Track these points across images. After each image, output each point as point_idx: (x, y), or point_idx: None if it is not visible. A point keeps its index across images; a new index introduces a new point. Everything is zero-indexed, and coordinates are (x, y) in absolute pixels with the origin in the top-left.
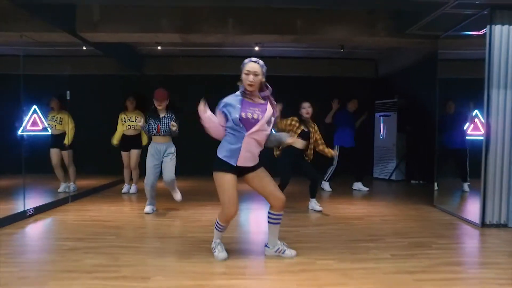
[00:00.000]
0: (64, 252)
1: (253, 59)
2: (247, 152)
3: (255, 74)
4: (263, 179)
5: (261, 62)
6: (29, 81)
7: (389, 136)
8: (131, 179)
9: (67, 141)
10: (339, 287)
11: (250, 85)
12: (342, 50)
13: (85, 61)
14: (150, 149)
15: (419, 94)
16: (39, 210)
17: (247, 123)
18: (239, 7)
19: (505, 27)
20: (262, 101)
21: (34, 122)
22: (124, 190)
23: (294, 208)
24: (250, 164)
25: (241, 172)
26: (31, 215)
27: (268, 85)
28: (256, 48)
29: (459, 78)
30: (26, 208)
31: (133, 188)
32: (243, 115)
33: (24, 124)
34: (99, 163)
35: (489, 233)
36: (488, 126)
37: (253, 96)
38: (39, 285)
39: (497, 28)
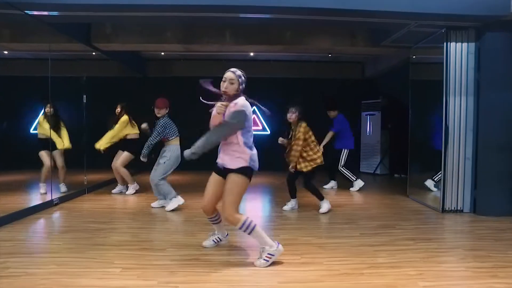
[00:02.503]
0: (93, 231)
1: (232, 69)
2: (221, 152)
3: (231, 83)
4: (226, 186)
5: (238, 72)
6: (43, 83)
7: (374, 133)
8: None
9: (67, 144)
10: (315, 255)
11: (224, 91)
12: (330, 55)
13: (90, 64)
14: None
15: (400, 94)
16: (62, 200)
17: None
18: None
19: (458, 44)
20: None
21: None
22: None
23: (283, 198)
24: (224, 163)
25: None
26: (56, 204)
27: (242, 94)
28: (251, 54)
29: (430, 80)
30: (53, 198)
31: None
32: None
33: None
34: (107, 159)
35: (447, 217)
36: (446, 127)
37: (230, 101)
38: (81, 253)
39: (451, 45)
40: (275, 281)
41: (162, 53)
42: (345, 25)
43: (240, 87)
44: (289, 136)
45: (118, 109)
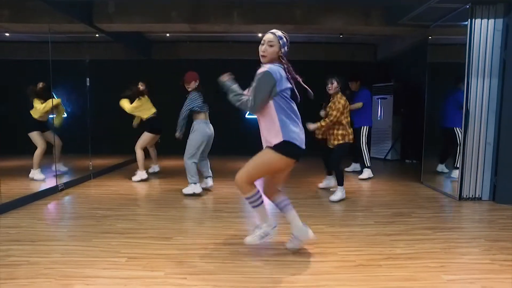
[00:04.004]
0: (98, 218)
1: (272, 30)
2: (261, 129)
3: (270, 45)
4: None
5: (279, 33)
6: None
7: (385, 118)
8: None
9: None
10: (328, 245)
11: (262, 56)
12: (341, 36)
13: (94, 47)
14: None
15: (414, 77)
16: (68, 185)
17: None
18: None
19: (484, 20)
20: None
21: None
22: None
23: (296, 183)
24: (264, 143)
25: None
26: (62, 189)
27: (284, 59)
28: (259, 35)
29: (448, 62)
30: (58, 183)
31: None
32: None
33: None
34: (112, 144)
35: (464, 205)
36: (467, 110)
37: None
38: (85, 241)
39: (476, 22)
40: (288, 272)
41: (168, 35)
42: (360, 2)
43: (282, 50)
44: (326, 110)
45: (142, 87)
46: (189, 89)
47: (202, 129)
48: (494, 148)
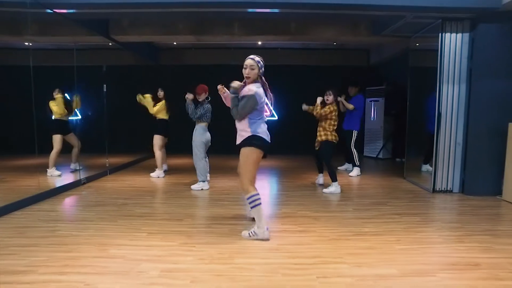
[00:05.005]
0: (119, 206)
1: (251, 56)
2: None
3: (252, 69)
4: (240, 159)
5: (257, 58)
6: (57, 72)
7: (377, 119)
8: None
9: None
10: (310, 225)
11: (246, 77)
12: (335, 43)
13: (106, 54)
14: None
15: (403, 81)
16: (89, 179)
17: None
18: (243, 14)
19: (453, 34)
20: None
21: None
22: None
23: (289, 179)
24: (237, 143)
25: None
26: (84, 183)
27: (263, 78)
28: (259, 43)
29: (428, 67)
30: (81, 178)
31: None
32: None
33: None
34: (127, 144)
35: (436, 197)
36: (439, 114)
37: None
38: (112, 222)
39: (447, 35)
40: (275, 243)
41: (175, 43)
42: (347, 17)
43: (261, 71)
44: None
45: (161, 93)
46: (200, 99)
47: (203, 134)
48: (463, 147)
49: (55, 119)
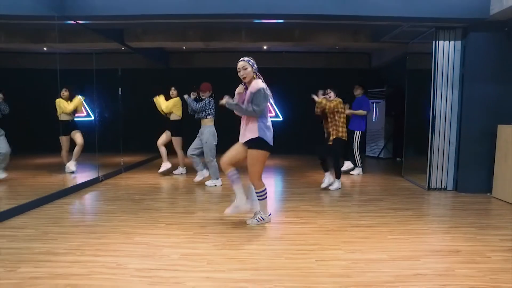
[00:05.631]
0: (137, 200)
1: (240, 58)
2: (243, 129)
3: (244, 69)
4: (248, 160)
5: (246, 58)
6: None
7: (379, 120)
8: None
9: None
10: (310, 218)
11: (244, 78)
12: (337, 48)
13: (119, 58)
14: None
15: (404, 83)
16: (106, 177)
17: None
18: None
19: (446, 42)
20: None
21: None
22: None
23: (293, 177)
24: (242, 139)
25: (247, 147)
26: (102, 180)
27: (259, 75)
28: (265, 47)
29: (425, 69)
30: (99, 175)
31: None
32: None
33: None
34: (140, 143)
35: (431, 194)
36: (433, 116)
37: (250, 84)
38: (133, 214)
39: (440, 43)
40: (280, 233)
41: (184, 48)
42: (347, 26)
43: (254, 68)
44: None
45: (175, 91)
46: (203, 97)
47: (214, 133)
48: (456, 147)
49: (60, 120)
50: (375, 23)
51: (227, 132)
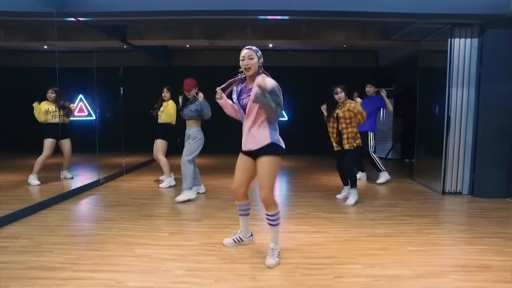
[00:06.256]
0: (139, 206)
1: (247, 46)
2: (246, 135)
3: (250, 58)
4: (260, 169)
5: (254, 47)
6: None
7: (387, 120)
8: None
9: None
10: (323, 226)
11: (247, 69)
12: (344, 46)
13: (121, 56)
14: None
15: (413, 82)
16: (107, 180)
17: (244, 108)
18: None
19: (462, 39)
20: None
21: (80, 109)
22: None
23: (299, 179)
24: (251, 147)
25: (254, 156)
26: (103, 183)
27: (263, 70)
28: (270, 45)
29: (437, 68)
30: (100, 178)
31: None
32: (240, 101)
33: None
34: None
35: (445, 198)
36: (448, 116)
37: (253, 80)
38: (134, 221)
39: (456, 41)
40: (292, 244)
41: (187, 46)
42: (356, 23)
43: (260, 60)
44: (330, 119)
45: (167, 93)
46: (189, 96)
47: (202, 137)
48: (472, 149)
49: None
50: (386, 20)
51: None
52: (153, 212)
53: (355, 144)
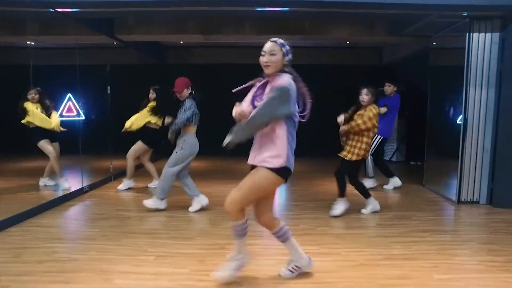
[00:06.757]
0: (124, 219)
1: (272, 39)
2: (256, 144)
3: (272, 54)
4: (247, 177)
5: (280, 41)
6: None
7: None
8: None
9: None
10: (332, 246)
11: (266, 66)
12: (348, 42)
13: (109, 52)
14: None
15: (419, 81)
16: (92, 187)
17: None
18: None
19: (482, 34)
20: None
21: (69, 109)
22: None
23: (301, 186)
24: (252, 160)
25: None
26: (87, 191)
27: (289, 70)
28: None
29: (451, 65)
30: (83, 185)
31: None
32: (255, 105)
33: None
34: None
35: (462, 209)
36: (465, 119)
37: (273, 80)
38: (116, 241)
39: (474, 36)
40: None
41: (181, 42)
42: (364, 16)
43: (286, 58)
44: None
45: (152, 95)
46: (181, 98)
47: (194, 144)
48: (491, 154)
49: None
50: (399, 12)
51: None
52: (139, 228)
53: (353, 158)
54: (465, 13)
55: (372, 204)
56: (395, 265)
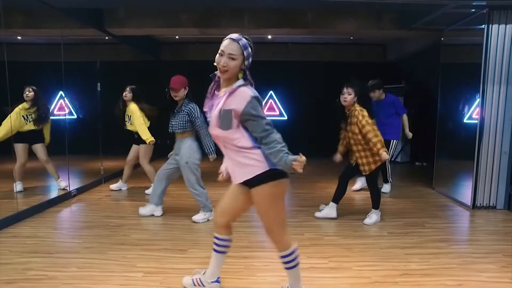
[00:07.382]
0: (112, 228)
1: (233, 36)
2: (228, 161)
3: (231, 57)
4: (256, 207)
5: (243, 41)
6: (54, 68)
7: None
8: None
9: (47, 138)
10: (343, 259)
11: (223, 71)
12: (351, 38)
13: (102, 48)
14: None
15: (425, 79)
16: (80, 191)
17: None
18: (253, 3)
19: (502, 26)
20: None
21: (60, 107)
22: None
23: (303, 189)
24: (233, 177)
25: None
26: (74, 195)
27: (249, 78)
28: (269, 36)
29: (463, 63)
30: (71, 189)
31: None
32: (207, 117)
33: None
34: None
35: (478, 214)
36: (482, 119)
37: (228, 86)
38: (101, 254)
39: (494, 27)
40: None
41: (177, 37)
42: (372, 7)
43: (246, 62)
44: (345, 127)
45: (129, 93)
46: (177, 98)
47: (196, 147)
48: (509, 156)
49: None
50: (413, 2)
51: None
52: (128, 239)
53: (372, 167)
54: (484, 3)
55: (378, 216)
56: (414, 284)
